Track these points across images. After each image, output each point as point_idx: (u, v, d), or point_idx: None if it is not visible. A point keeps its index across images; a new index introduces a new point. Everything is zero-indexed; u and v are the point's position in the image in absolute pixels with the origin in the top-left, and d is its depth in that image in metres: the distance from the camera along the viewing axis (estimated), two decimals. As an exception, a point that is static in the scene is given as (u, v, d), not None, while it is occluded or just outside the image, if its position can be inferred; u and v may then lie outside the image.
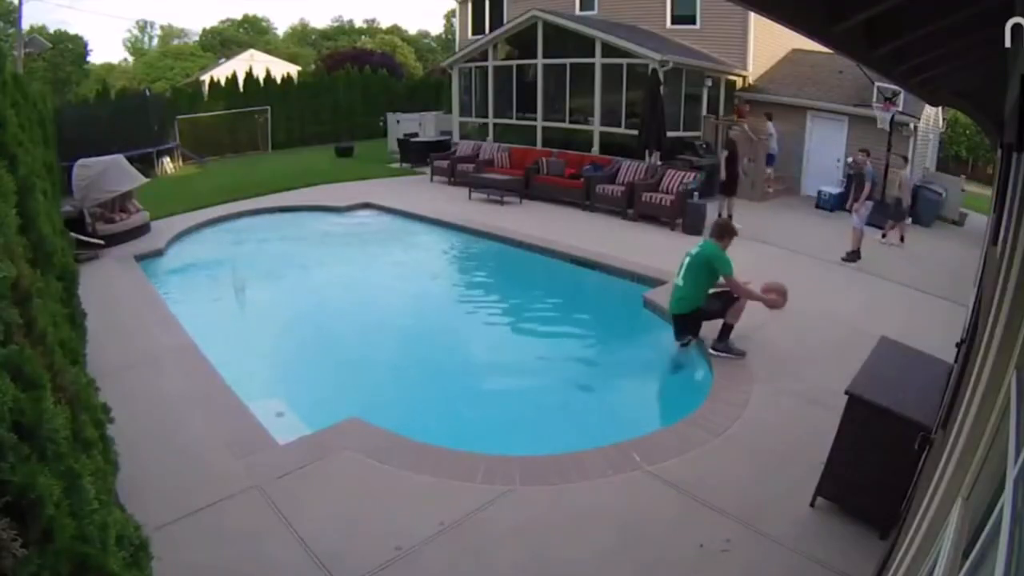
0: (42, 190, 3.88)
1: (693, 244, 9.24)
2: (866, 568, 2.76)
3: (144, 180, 9.78)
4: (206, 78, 23.88)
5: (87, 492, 1.63)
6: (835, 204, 12.24)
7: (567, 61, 13.39)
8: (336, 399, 4.77)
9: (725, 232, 5.39)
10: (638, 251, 8.50)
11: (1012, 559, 0.90)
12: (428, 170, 14.42)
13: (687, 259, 5.33)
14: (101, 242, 8.12)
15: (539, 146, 13.87)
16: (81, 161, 8.93)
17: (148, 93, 19.49)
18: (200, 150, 17.95)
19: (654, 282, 7.32)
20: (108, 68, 44.26)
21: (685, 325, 5.35)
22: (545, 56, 13.68)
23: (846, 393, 3.24)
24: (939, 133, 16.46)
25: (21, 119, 4.18)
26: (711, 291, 5.30)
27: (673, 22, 14.63)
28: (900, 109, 11.50)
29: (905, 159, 10.47)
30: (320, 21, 78.44)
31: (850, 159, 12.55)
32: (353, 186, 13.28)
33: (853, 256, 8.44)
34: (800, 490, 3.44)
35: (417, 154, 15.92)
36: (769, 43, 14.32)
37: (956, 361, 3.15)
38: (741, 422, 4.27)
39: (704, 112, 13.67)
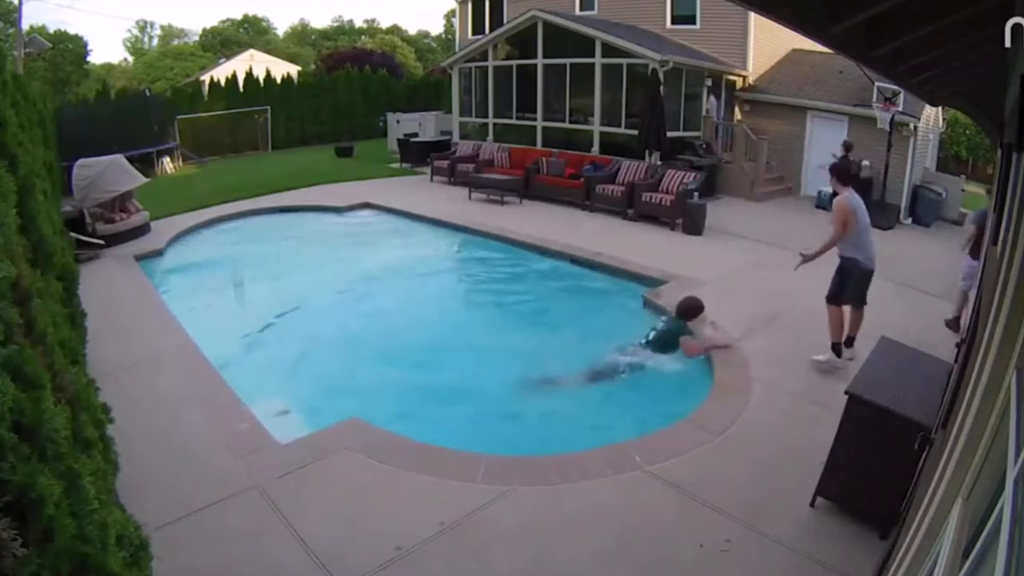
0: (42, 190, 3.88)
1: (692, 244, 9.41)
2: (866, 568, 2.76)
3: (144, 180, 9.78)
4: (206, 78, 23.84)
5: (87, 492, 1.63)
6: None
7: (567, 61, 13.38)
8: (336, 399, 4.77)
9: (689, 311, 5.56)
10: (638, 251, 8.50)
11: (1012, 559, 0.90)
12: (428, 170, 14.42)
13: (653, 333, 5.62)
14: (101, 242, 8.12)
15: (539, 146, 13.86)
16: (81, 161, 8.93)
17: (148, 93, 19.48)
18: (200, 150, 17.93)
19: (654, 282, 7.33)
20: (108, 68, 44.24)
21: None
22: (545, 56, 13.68)
23: (846, 393, 3.25)
24: (939, 133, 16.46)
25: (21, 119, 4.18)
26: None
27: (673, 22, 14.63)
28: (900, 109, 11.50)
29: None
30: (320, 21, 78.69)
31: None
32: (353, 186, 13.27)
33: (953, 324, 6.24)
34: (800, 490, 3.44)
35: (417, 154, 15.92)
36: (769, 43, 14.32)
37: (956, 361, 3.15)
38: (741, 422, 4.27)
39: (704, 112, 13.68)
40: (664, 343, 5.52)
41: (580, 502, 3.42)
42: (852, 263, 5.03)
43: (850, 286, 5.07)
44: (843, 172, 5.30)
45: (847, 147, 11.13)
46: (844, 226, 4.94)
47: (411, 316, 6.81)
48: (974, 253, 6.16)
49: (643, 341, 5.61)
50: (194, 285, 7.64)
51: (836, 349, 5.10)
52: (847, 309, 5.19)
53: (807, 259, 5.16)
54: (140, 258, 8.11)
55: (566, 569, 2.97)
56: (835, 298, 5.13)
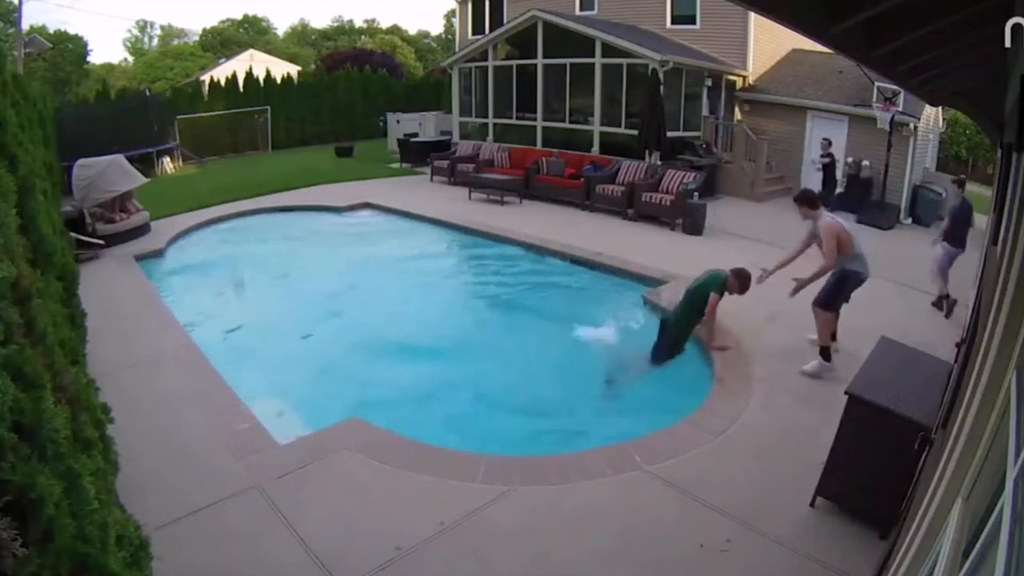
0: (42, 190, 3.88)
1: (692, 244, 9.41)
2: (866, 568, 2.76)
3: (144, 180, 9.78)
4: (206, 78, 23.83)
5: (87, 492, 1.63)
6: (835, 204, 12.24)
7: (567, 61, 13.39)
8: (336, 399, 4.77)
9: (742, 279, 5.34)
10: (638, 251, 8.50)
11: (1012, 559, 0.90)
12: (428, 170, 14.42)
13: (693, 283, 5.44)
14: (101, 242, 8.12)
15: (539, 146, 13.87)
16: (81, 161, 8.93)
17: (148, 93, 19.48)
18: (200, 150, 17.94)
19: (654, 282, 7.33)
20: (108, 68, 44.26)
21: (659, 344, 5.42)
22: (545, 56, 13.68)
23: (846, 393, 3.24)
24: (939, 133, 16.46)
25: (21, 119, 4.18)
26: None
27: (673, 22, 14.64)
28: (900, 109, 11.50)
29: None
30: (320, 21, 78.80)
31: (850, 159, 12.61)
32: (353, 186, 13.28)
33: (940, 303, 6.86)
34: (800, 490, 3.44)
35: (417, 154, 15.93)
36: (769, 43, 14.33)
37: (956, 361, 3.16)
38: (741, 422, 4.27)
39: (704, 112, 13.68)
40: (693, 300, 5.30)
41: (580, 502, 3.42)
42: (854, 274, 5.02)
43: (844, 293, 5.08)
44: (813, 198, 5.22)
45: (827, 144, 11.20)
46: (839, 250, 4.91)
47: (410, 316, 6.81)
48: (949, 239, 6.89)
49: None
50: (194, 285, 7.64)
51: (826, 354, 5.02)
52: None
53: (801, 285, 5.20)
54: (140, 258, 8.11)
55: (566, 569, 2.97)
56: (828, 304, 5.06)
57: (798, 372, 5.05)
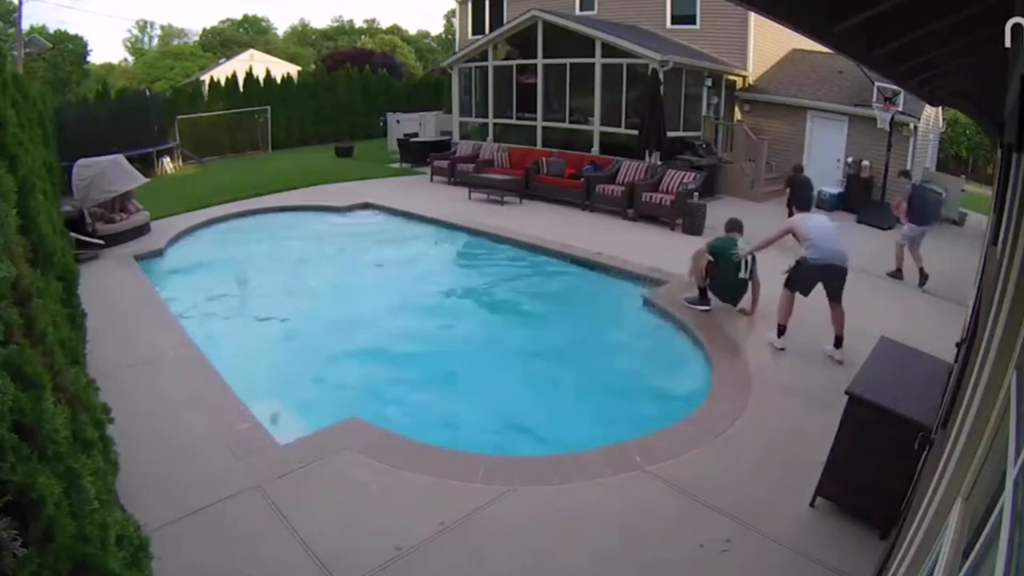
0: (42, 190, 3.88)
1: (692, 244, 9.39)
2: (866, 568, 2.76)
3: (144, 180, 9.77)
4: (206, 78, 23.79)
5: (87, 492, 1.63)
6: (835, 203, 12.26)
7: (567, 61, 13.39)
8: (336, 399, 4.77)
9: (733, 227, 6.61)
10: (638, 251, 8.50)
11: (1012, 559, 0.90)
12: (428, 170, 14.42)
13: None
14: (101, 242, 8.12)
15: (539, 146, 13.87)
16: (81, 161, 8.92)
17: (148, 93, 19.48)
18: (200, 150, 17.92)
19: (654, 282, 7.33)
20: (108, 68, 44.24)
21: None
22: (545, 56, 13.69)
23: (846, 393, 3.24)
24: (939, 133, 16.46)
25: (21, 119, 4.19)
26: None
27: (673, 22, 14.65)
28: (900, 109, 11.51)
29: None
30: (320, 21, 78.78)
31: (850, 159, 12.61)
32: (353, 186, 13.27)
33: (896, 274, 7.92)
34: (800, 490, 3.44)
35: (417, 154, 15.92)
36: (769, 43, 14.33)
37: (956, 361, 3.15)
38: (741, 422, 4.27)
39: (704, 112, 13.68)
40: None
41: (580, 502, 3.42)
42: (803, 260, 5.55)
43: (799, 277, 5.56)
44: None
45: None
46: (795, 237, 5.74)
47: (410, 315, 6.81)
48: (911, 218, 7.74)
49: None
50: (194, 285, 7.64)
51: (780, 329, 5.60)
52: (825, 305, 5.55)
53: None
54: (140, 258, 8.11)
55: (566, 569, 2.97)
56: (786, 284, 5.66)
57: (824, 352, 5.38)
